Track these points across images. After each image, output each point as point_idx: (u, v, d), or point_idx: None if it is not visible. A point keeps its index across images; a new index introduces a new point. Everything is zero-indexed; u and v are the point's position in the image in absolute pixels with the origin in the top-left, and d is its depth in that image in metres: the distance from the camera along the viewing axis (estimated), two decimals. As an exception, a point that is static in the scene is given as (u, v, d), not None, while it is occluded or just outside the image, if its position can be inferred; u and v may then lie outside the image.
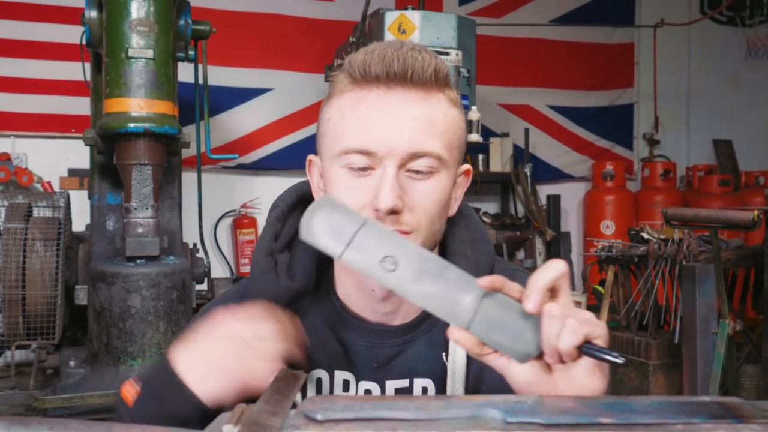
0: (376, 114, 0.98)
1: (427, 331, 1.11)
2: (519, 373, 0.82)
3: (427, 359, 1.10)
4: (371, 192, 0.97)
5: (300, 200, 1.14)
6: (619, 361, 0.76)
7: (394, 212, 0.97)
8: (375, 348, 1.10)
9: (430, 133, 0.99)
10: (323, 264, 1.12)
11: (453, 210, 1.09)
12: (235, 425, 0.58)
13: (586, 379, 0.80)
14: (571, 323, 0.78)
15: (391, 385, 1.10)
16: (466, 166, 1.10)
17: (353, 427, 0.55)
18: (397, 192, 0.96)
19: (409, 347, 1.10)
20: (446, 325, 1.04)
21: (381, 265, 0.80)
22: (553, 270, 0.81)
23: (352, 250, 0.81)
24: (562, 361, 0.80)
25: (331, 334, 1.11)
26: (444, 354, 1.08)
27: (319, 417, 0.56)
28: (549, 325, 0.79)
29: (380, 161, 0.98)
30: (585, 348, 0.78)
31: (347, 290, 1.10)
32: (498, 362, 0.83)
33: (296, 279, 1.08)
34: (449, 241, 1.11)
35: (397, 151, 0.97)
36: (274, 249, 1.10)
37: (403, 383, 1.10)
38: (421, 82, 0.99)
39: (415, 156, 0.98)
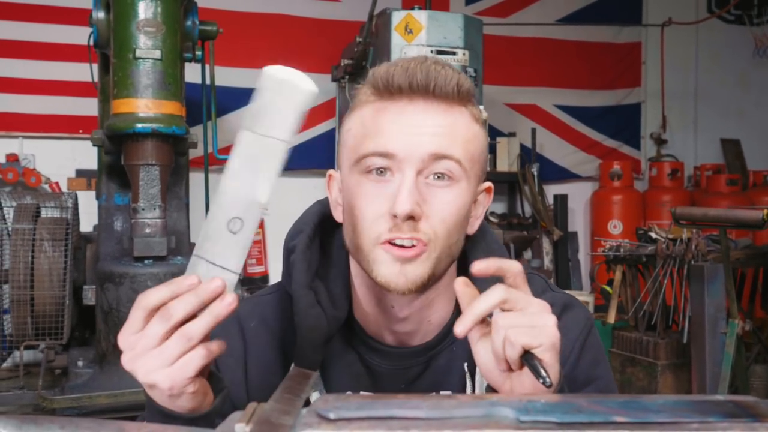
0: (397, 121, 0.98)
1: (449, 345, 1.10)
2: (482, 364, 0.87)
3: (450, 372, 1.09)
4: (390, 199, 0.96)
5: (322, 222, 1.12)
6: (546, 382, 0.79)
7: (411, 218, 0.95)
8: (401, 370, 1.09)
9: (452, 139, 0.98)
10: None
11: (474, 228, 1.08)
12: (247, 424, 0.58)
13: (535, 385, 0.82)
14: (512, 335, 0.81)
15: None
16: (488, 184, 1.10)
17: (366, 426, 0.54)
18: (415, 198, 0.95)
19: (434, 362, 1.10)
20: (467, 338, 1.04)
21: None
22: (494, 296, 0.83)
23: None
24: (510, 369, 0.84)
25: (356, 357, 1.10)
26: (465, 364, 1.08)
27: (331, 415, 0.56)
28: (495, 336, 0.83)
29: (399, 165, 0.97)
30: (525, 359, 0.82)
31: (366, 311, 1.09)
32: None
33: (339, 307, 1.07)
34: (470, 254, 1.09)
35: (417, 154, 0.96)
36: (311, 279, 1.07)
37: None
38: (443, 95, 0.99)
39: (436, 157, 0.97)
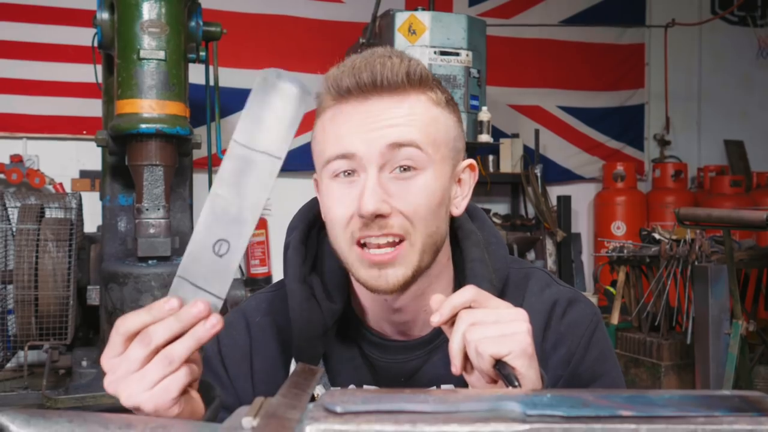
0: (352, 120, 0.98)
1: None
2: (471, 380, 0.89)
3: (450, 365, 1.09)
4: (356, 200, 0.96)
5: (317, 218, 1.13)
6: (514, 385, 0.82)
7: (380, 216, 0.95)
8: (400, 363, 1.10)
9: (408, 127, 0.97)
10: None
11: (460, 209, 1.07)
12: (254, 418, 0.58)
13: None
14: (480, 346, 0.83)
15: None
16: (469, 161, 1.08)
17: (373, 420, 0.54)
18: (379, 195, 0.95)
19: (433, 356, 1.10)
20: None
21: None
22: (466, 294, 0.88)
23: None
24: (494, 381, 0.86)
25: (357, 350, 1.11)
26: None
27: (338, 409, 0.56)
28: (468, 352, 0.85)
29: (361, 164, 0.97)
30: (497, 368, 0.83)
31: (363, 304, 1.10)
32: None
33: (335, 299, 1.08)
34: (465, 246, 1.09)
35: (375, 149, 0.96)
36: (305, 273, 1.08)
37: None
38: (394, 87, 0.98)
39: (395, 146, 0.96)
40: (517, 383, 0.81)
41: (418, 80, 1.00)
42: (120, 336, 0.78)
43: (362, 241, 0.97)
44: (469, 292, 0.88)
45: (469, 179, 1.08)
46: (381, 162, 0.96)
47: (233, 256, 0.80)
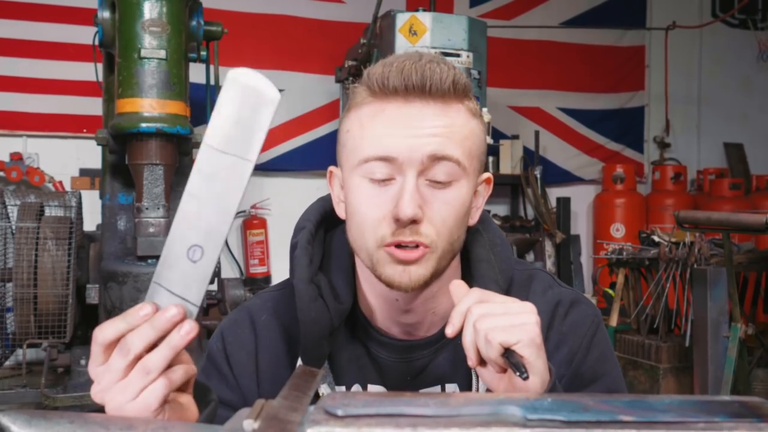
0: (395, 123, 0.98)
1: (454, 337, 1.11)
2: (483, 372, 0.90)
3: (455, 364, 1.11)
4: (392, 202, 0.97)
5: (323, 217, 1.14)
6: (523, 376, 0.83)
7: (413, 222, 0.97)
8: (406, 363, 1.11)
9: (450, 140, 0.98)
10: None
11: (474, 219, 1.09)
12: (255, 420, 0.58)
13: (525, 383, 0.85)
14: (489, 335, 0.85)
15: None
16: (487, 175, 1.10)
17: (374, 423, 0.54)
18: (417, 201, 0.96)
19: (438, 355, 1.11)
20: None
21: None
22: (472, 295, 0.90)
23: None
24: (503, 371, 0.87)
25: (363, 350, 1.12)
26: None
27: (339, 412, 0.56)
28: (477, 341, 0.87)
29: (400, 169, 0.97)
30: (506, 356, 0.85)
31: (371, 304, 1.10)
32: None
33: (342, 300, 1.08)
34: (472, 248, 1.11)
35: (418, 156, 0.97)
36: (312, 273, 1.09)
37: (435, 390, 1.11)
38: (440, 94, 0.99)
39: (436, 159, 0.97)
40: (525, 372, 0.83)
41: (462, 90, 1.01)
42: (99, 346, 0.79)
43: (391, 246, 0.99)
44: (473, 294, 0.91)
45: (484, 191, 1.10)
46: (420, 169, 0.97)
47: (208, 262, 0.79)
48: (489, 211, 5.35)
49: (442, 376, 1.10)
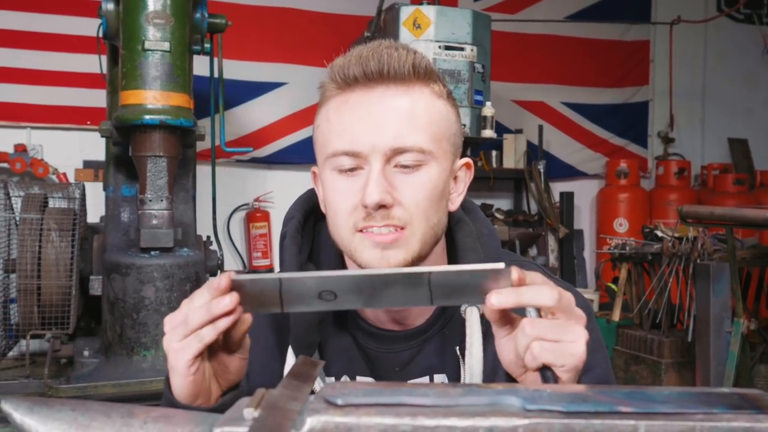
0: (357, 113, 1.00)
1: (442, 328, 1.12)
2: (503, 356, 0.85)
3: (443, 354, 1.11)
4: (360, 191, 0.99)
5: (312, 209, 1.16)
6: None
7: (383, 207, 0.98)
8: (395, 353, 1.12)
9: (413, 126, 1.00)
10: None
11: (455, 204, 1.10)
12: (255, 409, 0.58)
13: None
14: (536, 348, 0.79)
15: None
16: (465, 160, 1.11)
17: (373, 412, 0.55)
18: (383, 187, 0.97)
19: (427, 345, 1.12)
20: (458, 321, 1.05)
21: (322, 300, 0.82)
22: (546, 296, 0.80)
23: (288, 304, 0.83)
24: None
25: (352, 341, 1.13)
26: (458, 348, 1.09)
27: (339, 401, 0.56)
28: (520, 339, 0.81)
29: (366, 159, 0.99)
30: (542, 371, 0.80)
31: None
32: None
33: None
34: (458, 237, 1.12)
35: (380, 147, 0.98)
36: (301, 263, 1.10)
37: (424, 381, 1.12)
38: (400, 78, 1.00)
39: (399, 151, 0.99)
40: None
41: (423, 72, 1.02)
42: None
43: (365, 230, 1.00)
44: (546, 293, 0.80)
45: (465, 177, 1.11)
46: (385, 159, 0.99)
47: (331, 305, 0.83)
48: (492, 206, 5.31)
49: (430, 367, 1.11)
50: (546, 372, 0.80)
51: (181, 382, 0.87)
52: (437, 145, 1.01)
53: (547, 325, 0.80)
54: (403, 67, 1.00)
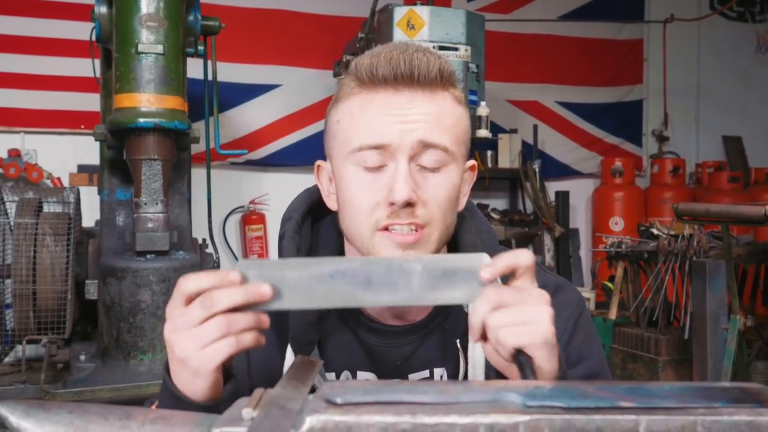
0: (386, 112, 1.01)
1: (443, 322, 1.13)
2: (488, 354, 0.87)
3: (444, 348, 1.12)
4: (385, 188, 1.00)
5: (310, 208, 1.16)
6: (526, 376, 0.80)
7: (408, 205, 0.99)
8: (395, 348, 1.12)
9: (439, 127, 1.01)
10: None
11: (462, 205, 1.12)
12: (254, 408, 0.58)
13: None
14: (502, 336, 0.81)
15: (413, 378, 1.13)
16: (471, 162, 1.13)
17: (373, 411, 0.54)
18: (411, 185, 0.99)
19: (427, 339, 1.12)
20: (459, 314, 1.05)
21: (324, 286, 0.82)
22: (523, 257, 0.85)
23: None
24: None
25: (352, 336, 1.13)
26: (458, 340, 1.10)
27: (338, 400, 0.56)
28: (489, 337, 0.82)
29: (392, 155, 1.00)
30: (515, 355, 0.81)
31: None
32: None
33: None
34: (460, 234, 1.14)
35: (407, 142, 0.99)
36: None
37: (424, 374, 1.12)
38: (427, 82, 1.02)
39: (426, 146, 1.00)
40: (531, 375, 0.80)
41: (448, 78, 1.04)
42: (180, 294, 0.83)
43: (388, 227, 1.01)
44: (526, 256, 0.86)
45: (469, 178, 1.13)
46: (411, 154, 1.00)
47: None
48: (487, 206, 5.32)
49: (430, 361, 1.12)
50: (520, 357, 0.81)
51: (203, 385, 0.85)
52: (458, 147, 1.04)
53: (507, 311, 0.82)
54: (431, 72, 1.02)
